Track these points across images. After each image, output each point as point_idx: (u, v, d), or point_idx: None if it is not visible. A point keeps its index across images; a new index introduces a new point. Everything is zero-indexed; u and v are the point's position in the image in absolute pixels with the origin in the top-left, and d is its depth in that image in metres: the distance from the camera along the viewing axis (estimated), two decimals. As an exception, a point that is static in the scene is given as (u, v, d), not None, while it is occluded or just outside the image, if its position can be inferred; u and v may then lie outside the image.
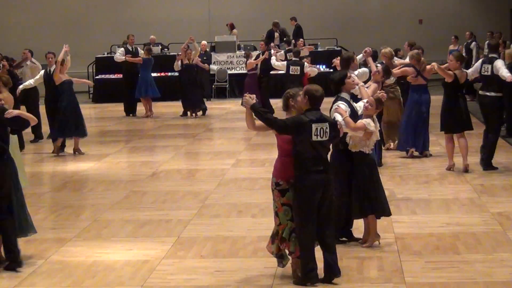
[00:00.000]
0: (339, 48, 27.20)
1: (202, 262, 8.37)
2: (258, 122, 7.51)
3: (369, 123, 8.44)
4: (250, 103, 7.37)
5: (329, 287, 7.43)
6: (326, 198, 7.46)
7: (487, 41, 19.65)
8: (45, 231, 9.78)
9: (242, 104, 7.76)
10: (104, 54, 27.14)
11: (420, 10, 31.43)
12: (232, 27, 27.64)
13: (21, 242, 9.22)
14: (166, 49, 27.63)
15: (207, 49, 25.23)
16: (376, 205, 8.59)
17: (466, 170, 12.50)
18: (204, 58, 21.98)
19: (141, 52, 22.38)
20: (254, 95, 7.53)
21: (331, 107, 8.53)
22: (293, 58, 19.31)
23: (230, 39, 26.82)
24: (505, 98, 13.38)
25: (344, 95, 8.57)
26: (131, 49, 22.45)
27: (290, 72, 18.63)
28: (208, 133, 18.82)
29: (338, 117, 8.27)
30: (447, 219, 9.73)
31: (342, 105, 8.44)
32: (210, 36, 28.27)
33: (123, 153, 15.72)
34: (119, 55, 22.45)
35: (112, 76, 25.61)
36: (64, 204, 11.37)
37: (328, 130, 7.50)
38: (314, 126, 7.42)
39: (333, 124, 7.68)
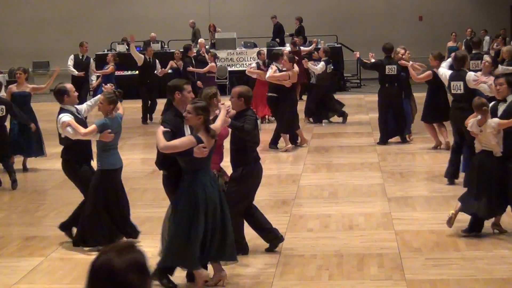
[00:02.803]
0: (339, 45, 27.20)
1: (202, 259, 8.36)
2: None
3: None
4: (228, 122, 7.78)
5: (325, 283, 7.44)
6: None
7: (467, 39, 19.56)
8: (45, 228, 9.79)
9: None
10: (104, 51, 27.12)
11: (420, 7, 31.45)
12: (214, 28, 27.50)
13: (21, 240, 9.24)
14: (166, 47, 27.63)
15: (206, 46, 25.20)
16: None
17: (448, 147, 13.33)
18: (203, 55, 21.86)
19: (92, 62, 20.26)
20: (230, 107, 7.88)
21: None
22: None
23: (230, 36, 26.80)
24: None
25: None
26: (81, 57, 20.03)
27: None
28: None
29: (484, 85, 9.21)
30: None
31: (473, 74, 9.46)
32: (210, 34, 28.28)
33: (124, 150, 15.64)
34: (70, 65, 19.81)
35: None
36: (64, 201, 11.37)
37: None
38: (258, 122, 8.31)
39: None
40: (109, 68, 20.21)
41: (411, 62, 15.03)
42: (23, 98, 13.65)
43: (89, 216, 8.58)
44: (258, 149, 8.34)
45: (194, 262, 7.14)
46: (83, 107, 9.39)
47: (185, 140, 7.01)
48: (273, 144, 15.17)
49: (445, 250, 8.43)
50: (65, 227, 9.17)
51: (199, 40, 23.20)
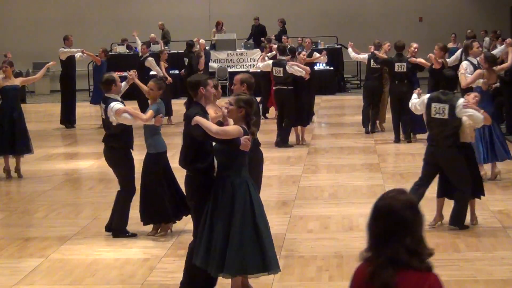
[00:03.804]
0: (339, 46, 27.20)
1: (202, 260, 8.36)
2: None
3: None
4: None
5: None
6: None
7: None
8: (45, 229, 9.79)
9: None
10: (104, 52, 27.12)
11: (420, 8, 31.42)
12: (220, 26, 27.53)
13: (21, 241, 9.24)
14: (166, 47, 27.62)
15: (207, 47, 25.20)
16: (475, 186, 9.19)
17: None
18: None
19: (78, 55, 19.54)
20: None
21: (455, 102, 8.91)
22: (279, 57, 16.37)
23: (230, 37, 26.80)
24: (504, 95, 13.44)
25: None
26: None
27: (274, 74, 15.82)
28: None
29: (477, 114, 8.85)
30: (448, 217, 9.71)
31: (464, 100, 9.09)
32: (210, 34, 28.28)
33: (123, 151, 15.69)
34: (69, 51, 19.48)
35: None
36: (64, 202, 11.37)
37: None
38: None
39: None
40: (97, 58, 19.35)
41: (419, 59, 15.34)
42: (13, 92, 13.28)
43: (154, 199, 9.05)
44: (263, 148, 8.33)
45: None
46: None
47: (235, 128, 6.59)
48: (284, 142, 15.27)
49: (445, 251, 8.43)
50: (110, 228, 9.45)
51: (200, 41, 23.17)
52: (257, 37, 26.77)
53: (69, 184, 12.75)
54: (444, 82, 9.22)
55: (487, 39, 26.73)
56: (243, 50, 26.42)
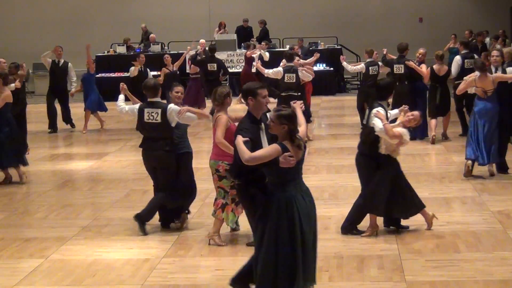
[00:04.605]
0: (339, 47, 27.22)
1: (202, 261, 8.38)
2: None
3: (406, 134, 8.77)
4: None
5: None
6: None
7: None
8: (45, 229, 9.79)
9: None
10: (104, 53, 27.15)
11: (420, 9, 31.42)
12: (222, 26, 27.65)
13: (21, 241, 9.24)
14: (166, 48, 27.64)
15: (207, 48, 25.17)
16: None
17: (444, 136, 15.54)
18: (203, 56, 21.80)
19: (72, 70, 18.85)
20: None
21: (368, 111, 8.75)
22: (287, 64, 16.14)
23: (230, 38, 26.79)
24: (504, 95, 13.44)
25: (383, 102, 8.94)
26: (57, 62, 18.90)
27: (285, 80, 15.59)
28: (209, 131, 18.76)
29: (378, 122, 8.61)
30: (447, 218, 9.73)
31: (382, 110, 8.77)
32: (210, 35, 28.29)
33: (124, 152, 15.71)
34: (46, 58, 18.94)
35: (112, 75, 25.56)
36: (64, 202, 11.38)
37: None
38: None
39: None
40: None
41: (421, 65, 15.58)
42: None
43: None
44: None
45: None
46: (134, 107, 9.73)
47: (270, 149, 6.42)
48: None
49: (445, 251, 8.43)
50: (165, 220, 9.66)
51: (200, 41, 23.18)
52: (246, 39, 26.83)
53: (69, 185, 12.75)
54: (376, 91, 9.18)
55: (487, 39, 26.72)
56: (243, 50, 26.39)
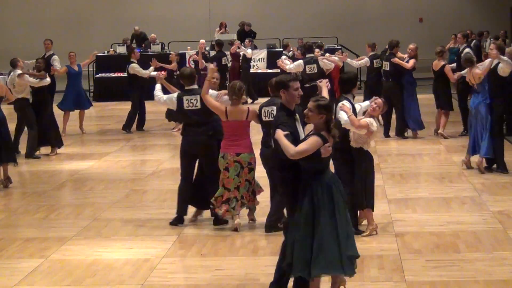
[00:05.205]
0: (339, 46, 27.21)
1: (202, 261, 8.38)
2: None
3: (372, 123, 8.70)
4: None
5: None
6: None
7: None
8: (45, 229, 9.79)
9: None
10: (104, 53, 27.13)
11: (420, 9, 31.44)
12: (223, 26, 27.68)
13: (21, 241, 9.24)
14: (167, 48, 27.62)
15: (207, 48, 25.17)
16: (370, 198, 9.01)
17: (441, 135, 15.43)
18: (207, 55, 21.83)
19: (56, 61, 18.02)
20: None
21: (335, 106, 8.61)
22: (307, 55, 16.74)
23: (231, 38, 26.76)
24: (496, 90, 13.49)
25: (348, 95, 8.87)
26: (43, 55, 18.10)
27: (307, 72, 16.15)
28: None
29: (343, 115, 8.56)
30: (448, 218, 9.73)
31: (346, 103, 8.71)
32: (210, 35, 28.28)
33: (124, 152, 15.69)
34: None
35: (112, 75, 25.55)
36: (64, 202, 11.37)
37: None
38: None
39: None
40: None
41: (410, 60, 15.67)
42: None
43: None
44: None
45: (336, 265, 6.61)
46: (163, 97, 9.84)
47: (312, 142, 6.51)
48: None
49: (445, 251, 8.43)
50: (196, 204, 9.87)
51: (200, 41, 23.17)
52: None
53: (69, 185, 12.75)
54: (339, 85, 9.18)
55: (488, 40, 26.72)
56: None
